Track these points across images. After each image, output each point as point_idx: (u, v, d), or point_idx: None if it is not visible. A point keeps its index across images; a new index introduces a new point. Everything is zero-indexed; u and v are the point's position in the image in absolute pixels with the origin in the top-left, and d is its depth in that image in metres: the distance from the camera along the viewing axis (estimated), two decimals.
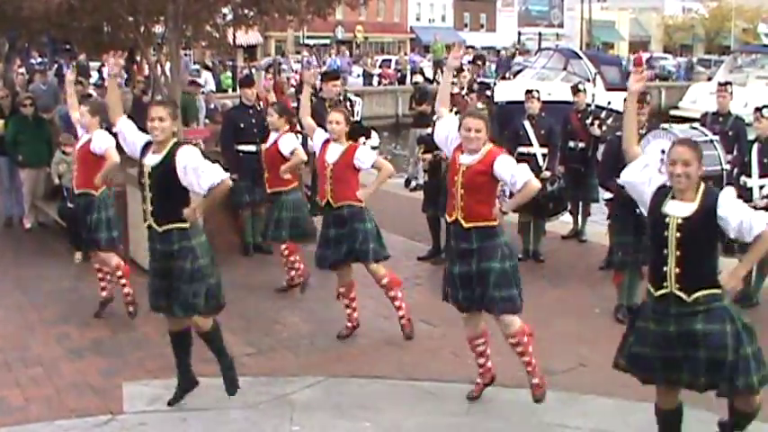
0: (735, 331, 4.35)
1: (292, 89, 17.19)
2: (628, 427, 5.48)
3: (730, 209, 4.32)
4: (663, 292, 4.42)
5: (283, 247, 8.14)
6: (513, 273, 5.54)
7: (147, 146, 5.51)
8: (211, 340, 5.68)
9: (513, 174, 5.46)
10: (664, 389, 4.63)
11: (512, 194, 9.00)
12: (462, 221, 5.55)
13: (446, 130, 5.72)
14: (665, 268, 4.39)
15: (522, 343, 5.61)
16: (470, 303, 5.61)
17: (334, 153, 6.76)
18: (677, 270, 4.36)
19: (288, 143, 7.95)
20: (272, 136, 8.12)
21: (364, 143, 8.32)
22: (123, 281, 7.42)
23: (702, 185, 4.42)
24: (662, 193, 4.51)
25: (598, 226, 10.83)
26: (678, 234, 4.35)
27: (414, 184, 14.14)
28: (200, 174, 5.23)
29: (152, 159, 5.42)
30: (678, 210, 4.39)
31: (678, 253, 4.35)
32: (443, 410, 5.75)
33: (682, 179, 4.39)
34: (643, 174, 4.74)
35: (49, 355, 6.67)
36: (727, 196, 4.38)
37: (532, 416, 5.64)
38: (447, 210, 5.68)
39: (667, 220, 4.39)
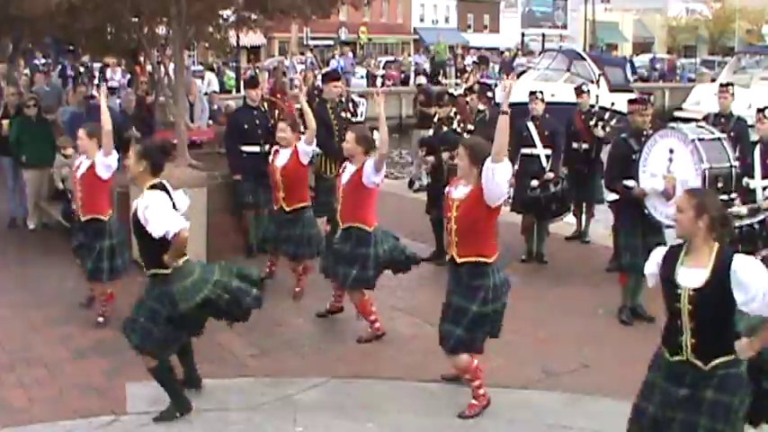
0: (741, 403, 4.13)
1: (296, 90, 17.17)
2: None
3: (743, 273, 4.00)
4: (679, 359, 4.21)
5: (300, 267, 8.17)
6: (490, 316, 5.50)
7: None
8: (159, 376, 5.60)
9: (497, 184, 5.26)
10: None
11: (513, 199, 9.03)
12: (456, 257, 5.53)
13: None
14: (680, 338, 4.17)
15: (466, 378, 5.73)
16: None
17: (347, 174, 6.82)
18: (693, 341, 4.14)
19: (306, 151, 7.88)
20: (285, 153, 7.91)
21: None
22: (102, 298, 7.48)
23: (716, 247, 4.11)
24: (672, 257, 4.23)
25: (601, 227, 10.83)
26: (690, 306, 4.10)
27: (417, 185, 14.15)
28: (153, 221, 5.19)
29: (135, 204, 5.43)
30: (689, 279, 4.11)
31: (692, 324, 4.12)
32: (447, 411, 5.73)
33: (676, 226, 4.22)
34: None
35: (52, 356, 6.67)
36: (743, 260, 4.07)
37: (535, 417, 5.64)
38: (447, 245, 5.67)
39: (679, 291, 4.13)
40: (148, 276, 5.51)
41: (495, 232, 5.62)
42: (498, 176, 5.21)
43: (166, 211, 5.26)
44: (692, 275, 4.11)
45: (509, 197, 8.58)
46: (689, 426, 4.13)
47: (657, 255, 4.33)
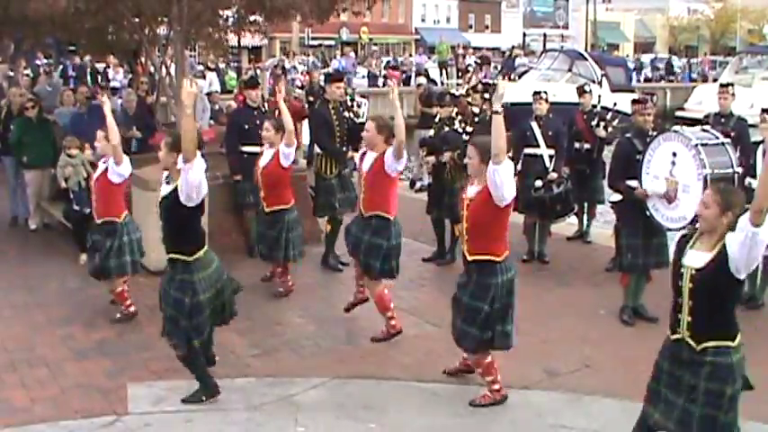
0: (735, 394, 4.33)
1: (299, 90, 17.17)
2: (632, 428, 5.46)
3: (733, 240, 4.20)
4: (677, 337, 4.44)
5: (279, 270, 8.26)
6: (496, 314, 5.56)
7: (167, 179, 5.72)
8: (188, 363, 5.79)
9: (501, 185, 5.30)
10: None
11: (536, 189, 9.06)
12: (467, 254, 5.61)
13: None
14: (679, 315, 4.41)
15: (480, 374, 5.83)
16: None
17: (368, 162, 6.84)
18: (689, 319, 4.36)
19: (289, 153, 7.89)
20: (268, 153, 7.99)
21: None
22: (121, 302, 7.56)
23: (726, 238, 4.28)
24: (684, 242, 4.50)
25: (603, 227, 10.83)
26: (691, 285, 4.34)
27: (418, 185, 14.15)
28: (199, 184, 5.42)
29: (164, 189, 5.64)
30: (694, 260, 4.36)
31: (691, 303, 4.35)
32: (448, 411, 5.74)
33: (700, 220, 4.40)
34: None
35: (54, 356, 6.67)
36: (734, 233, 4.23)
37: (537, 417, 5.64)
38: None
39: (683, 270, 4.39)
40: (168, 261, 5.70)
41: (506, 231, 5.66)
42: (501, 177, 5.25)
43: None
44: (697, 257, 4.35)
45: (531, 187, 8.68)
46: (687, 413, 4.35)
47: (678, 237, 4.61)
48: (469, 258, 5.59)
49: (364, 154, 6.94)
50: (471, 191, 5.59)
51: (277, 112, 8.58)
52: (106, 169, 7.33)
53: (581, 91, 10.63)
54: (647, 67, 41.99)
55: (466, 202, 5.60)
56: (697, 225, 4.53)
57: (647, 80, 39.77)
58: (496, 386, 5.79)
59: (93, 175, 8.88)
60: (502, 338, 5.65)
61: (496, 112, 5.29)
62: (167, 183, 5.64)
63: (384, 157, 6.68)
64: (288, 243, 8.02)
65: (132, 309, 7.53)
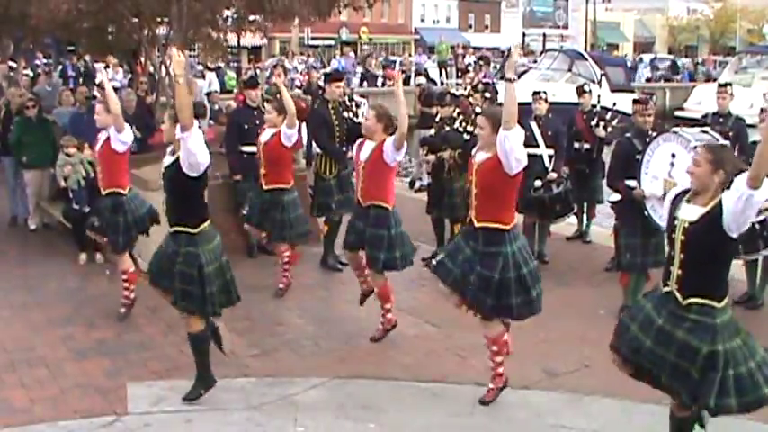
0: (711, 353, 4.31)
1: (298, 90, 17.18)
2: (632, 427, 5.47)
3: (728, 198, 4.26)
4: (667, 289, 4.51)
5: (286, 253, 8.19)
6: (514, 283, 5.50)
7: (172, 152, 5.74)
8: (198, 343, 5.78)
9: (510, 151, 5.29)
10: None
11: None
12: (474, 221, 5.57)
13: None
14: (671, 268, 4.48)
15: (489, 348, 5.76)
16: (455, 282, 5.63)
17: (366, 151, 6.81)
18: (679, 272, 4.44)
19: (291, 134, 7.92)
20: (269, 131, 8.06)
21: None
22: (126, 284, 7.54)
23: (721, 194, 4.36)
24: (679, 197, 4.57)
25: (602, 227, 10.83)
26: (683, 237, 4.41)
27: (418, 185, 14.15)
28: (200, 150, 5.44)
29: (167, 160, 5.66)
30: (688, 213, 4.43)
31: (682, 256, 4.42)
32: (447, 411, 5.74)
33: (691, 179, 4.46)
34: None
35: (53, 356, 6.68)
36: (729, 191, 4.31)
37: (536, 417, 5.64)
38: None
39: (677, 222, 4.46)
40: (170, 234, 5.70)
41: (515, 200, 5.66)
42: (511, 143, 5.26)
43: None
44: (691, 211, 4.43)
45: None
46: (659, 357, 4.42)
47: (672, 192, 4.69)
48: (477, 225, 5.55)
49: (362, 144, 6.90)
50: (480, 156, 5.57)
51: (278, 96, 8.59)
52: (108, 139, 7.30)
53: (580, 91, 10.63)
54: (646, 67, 41.83)
55: (474, 168, 5.57)
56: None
57: (647, 80, 39.73)
58: (501, 369, 5.76)
59: (92, 174, 8.93)
60: (523, 307, 5.57)
61: (509, 80, 5.28)
62: (171, 154, 5.67)
63: (383, 147, 6.66)
64: (291, 223, 8.04)
65: (132, 296, 7.52)
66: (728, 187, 4.30)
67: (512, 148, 5.27)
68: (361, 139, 6.97)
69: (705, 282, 4.41)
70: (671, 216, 4.55)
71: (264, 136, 8.11)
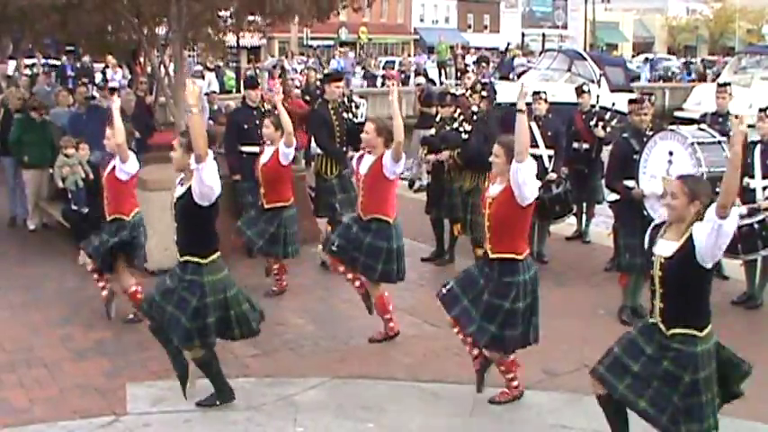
0: (693, 381, 4.45)
1: (297, 90, 17.16)
2: (631, 427, 5.45)
3: (699, 230, 4.35)
4: (653, 321, 4.66)
5: (276, 266, 8.24)
6: (521, 312, 5.55)
7: (182, 180, 5.66)
8: (204, 367, 5.75)
9: (523, 184, 5.35)
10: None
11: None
12: (489, 252, 5.61)
13: None
14: (654, 302, 4.63)
15: (500, 369, 5.79)
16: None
17: (366, 164, 6.81)
18: (661, 305, 4.57)
19: (288, 153, 7.91)
20: (269, 150, 8.02)
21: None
22: (132, 302, 7.46)
23: (694, 227, 4.43)
24: (655, 232, 4.69)
25: (602, 227, 10.82)
26: (660, 273, 4.54)
27: (417, 185, 14.14)
28: (213, 182, 5.37)
29: (178, 191, 5.59)
30: (663, 249, 4.55)
31: (662, 290, 4.55)
32: (447, 411, 5.74)
33: (668, 210, 4.56)
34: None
35: (52, 356, 6.67)
36: (700, 223, 4.39)
37: (536, 417, 5.64)
38: (481, 242, 5.72)
39: (653, 258, 4.58)
40: (180, 263, 5.62)
41: (528, 230, 5.71)
42: (523, 176, 5.30)
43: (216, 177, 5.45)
44: (666, 246, 4.54)
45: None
46: (644, 380, 4.55)
47: (650, 228, 4.77)
48: (492, 256, 5.59)
49: (361, 156, 6.91)
50: (494, 189, 5.59)
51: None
52: (114, 167, 7.28)
53: (579, 91, 10.63)
54: (643, 70, 41.73)
55: (488, 201, 5.59)
56: None
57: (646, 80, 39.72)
58: (515, 383, 5.80)
59: (90, 175, 8.92)
60: (533, 333, 5.66)
61: (520, 111, 5.33)
62: (181, 184, 5.60)
63: (382, 161, 6.65)
64: (286, 239, 8.03)
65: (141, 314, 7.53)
66: (701, 218, 4.38)
67: (524, 181, 5.33)
68: (360, 152, 6.97)
69: (685, 313, 4.53)
70: (649, 251, 4.65)
71: (264, 157, 8.07)
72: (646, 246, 4.73)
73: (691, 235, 4.40)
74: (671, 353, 4.50)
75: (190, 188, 5.44)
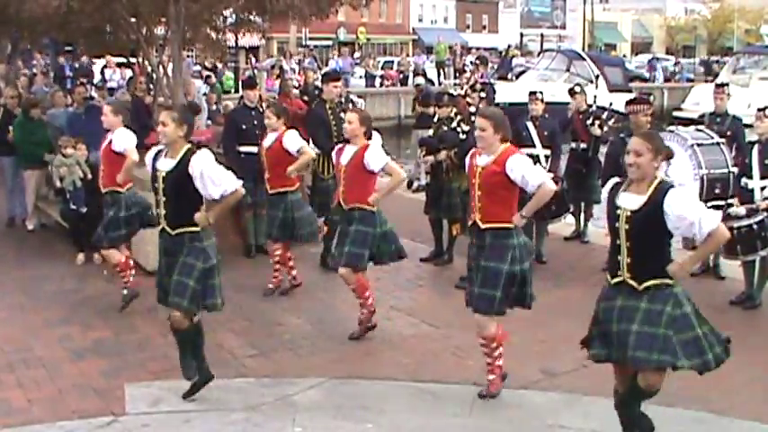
0: (683, 315, 4.51)
1: (296, 90, 17.16)
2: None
3: (676, 206, 4.45)
4: (617, 280, 4.68)
5: (277, 252, 8.19)
6: (518, 277, 5.60)
7: (158, 153, 5.69)
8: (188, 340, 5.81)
9: (525, 175, 5.48)
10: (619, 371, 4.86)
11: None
12: (479, 222, 5.61)
13: None
14: (618, 257, 4.63)
15: (488, 347, 5.76)
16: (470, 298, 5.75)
17: (347, 154, 6.82)
18: (629, 260, 4.59)
19: (294, 140, 7.94)
20: (272, 135, 8.09)
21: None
22: (122, 273, 7.72)
23: (657, 180, 4.55)
24: (619, 185, 4.71)
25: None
26: (627, 226, 4.56)
27: (416, 185, 14.14)
28: (215, 182, 5.44)
29: (165, 164, 5.59)
30: (628, 202, 4.58)
31: (628, 244, 4.57)
32: (445, 411, 5.74)
33: (633, 168, 4.58)
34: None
35: (51, 357, 6.67)
36: (677, 193, 4.51)
37: (534, 417, 5.64)
38: (468, 214, 5.72)
39: (618, 211, 4.61)
40: (173, 236, 5.62)
41: (517, 199, 5.72)
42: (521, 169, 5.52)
43: (221, 171, 5.50)
44: (631, 199, 4.58)
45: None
46: (624, 333, 4.59)
47: (609, 183, 4.81)
48: (482, 226, 5.60)
49: (341, 148, 6.94)
50: (482, 160, 5.59)
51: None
52: (111, 141, 7.47)
53: (572, 92, 10.62)
54: (642, 68, 41.70)
55: (477, 170, 5.59)
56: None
57: (644, 80, 39.76)
58: (500, 362, 5.81)
59: (89, 175, 8.97)
60: (523, 298, 5.72)
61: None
62: (166, 157, 5.60)
63: (365, 154, 6.70)
64: (295, 223, 8.04)
65: (131, 279, 7.68)
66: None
67: (524, 174, 5.52)
68: (340, 144, 7.01)
69: (655, 264, 4.56)
70: (610, 204, 4.67)
71: (267, 141, 8.13)
72: (605, 202, 4.77)
73: (657, 189, 4.49)
74: (645, 296, 4.56)
75: (179, 163, 5.48)
